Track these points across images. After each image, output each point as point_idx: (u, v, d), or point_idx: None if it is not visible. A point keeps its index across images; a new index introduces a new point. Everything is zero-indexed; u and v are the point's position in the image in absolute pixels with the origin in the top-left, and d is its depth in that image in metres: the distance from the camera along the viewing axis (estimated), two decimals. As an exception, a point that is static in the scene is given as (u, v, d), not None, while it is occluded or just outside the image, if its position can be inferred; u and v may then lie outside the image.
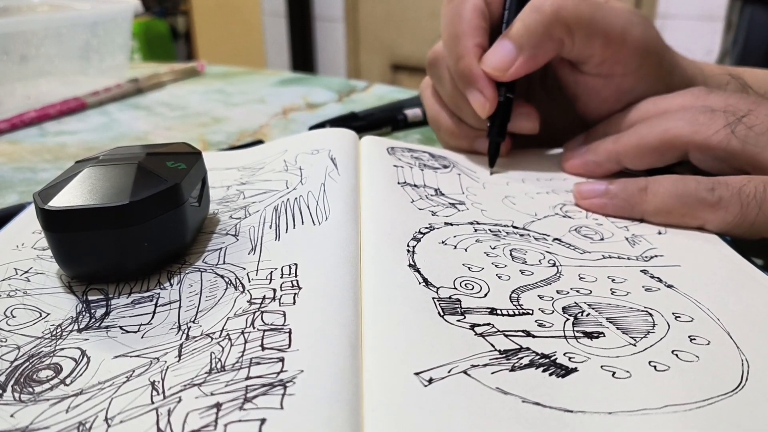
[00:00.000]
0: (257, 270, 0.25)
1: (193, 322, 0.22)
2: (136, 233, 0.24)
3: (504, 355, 0.20)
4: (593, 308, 0.23)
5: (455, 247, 0.26)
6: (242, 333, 0.20)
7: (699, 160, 0.31)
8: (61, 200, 0.24)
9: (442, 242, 0.27)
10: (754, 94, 0.36)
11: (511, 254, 0.26)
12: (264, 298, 0.22)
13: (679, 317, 0.22)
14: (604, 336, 0.21)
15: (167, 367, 0.19)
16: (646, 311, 0.23)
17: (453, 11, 0.36)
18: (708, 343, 0.21)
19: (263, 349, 0.19)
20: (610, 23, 0.34)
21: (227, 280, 0.24)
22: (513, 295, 0.23)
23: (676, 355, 0.20)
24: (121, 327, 0.22)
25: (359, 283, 0.23)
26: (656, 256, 0.27)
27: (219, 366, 0.19)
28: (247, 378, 0.18)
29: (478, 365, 0.19)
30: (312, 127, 0.48)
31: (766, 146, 0.29)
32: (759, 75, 0.38)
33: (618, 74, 0.35)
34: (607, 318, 0.22)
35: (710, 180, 0.29)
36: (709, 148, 0.30)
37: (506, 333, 0.21)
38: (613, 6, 0.34)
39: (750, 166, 0.29)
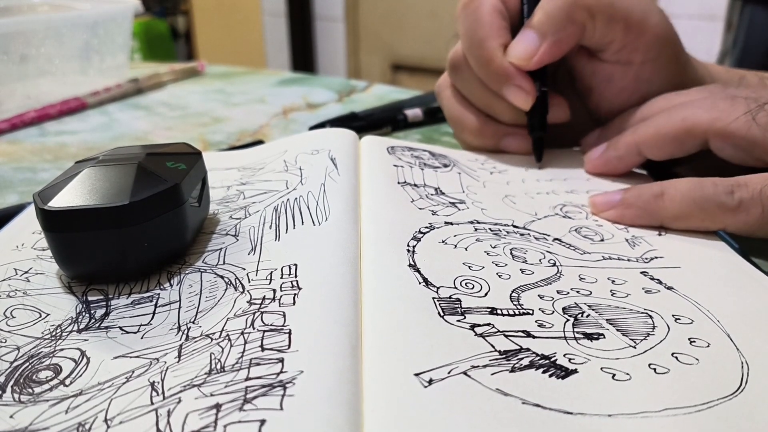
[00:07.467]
0: (257, 270, 0.24)
1: (193, 322, 0.22)
2: (136, 233, 0.24)
3: (504, 356, 0.20)
4: (593, 309, 0.23)
5: (455, 246, 0.26)
6: (242, 334, 0.20)
7: (719, 148, 0.30)
8: (61, 200, 0.24)
9: (443, 242, 0.27)
10: None
11: (511, 253, 0.26)
12: (264, 298, 0.22)
13: (678, 319, 0.22)
14: (604, 337, 0.21)
15: (167, 368, 0.19)
16: (646, 313, 0.23)
17: (471, 15, 0.36)
18: (708, 346, 0.21)
19: (263, 349, 0.19)
20: (630, 8, 0.34)
21: (227, 280, 0.24)
22: (513, 294, 0.23)
23: (676, 357, 0.20)
24: (120, 327, 0.22)
25: (359, 283, 0.23)
26: (656, 257, 0.27)
27: (219, 367, 0.19)
28: (247, 379, 0.18)
29: (478, 366, 0.19)
30: (312, 127, 0.48)
31: None
32: None
33: (637, 62, 0.35)
34: (607, 319, 0.22)
35: (729, 182, 0.28)
36: (729, 135, 0.29)
37: (506, 333, 0.21)
38: None
39: None
